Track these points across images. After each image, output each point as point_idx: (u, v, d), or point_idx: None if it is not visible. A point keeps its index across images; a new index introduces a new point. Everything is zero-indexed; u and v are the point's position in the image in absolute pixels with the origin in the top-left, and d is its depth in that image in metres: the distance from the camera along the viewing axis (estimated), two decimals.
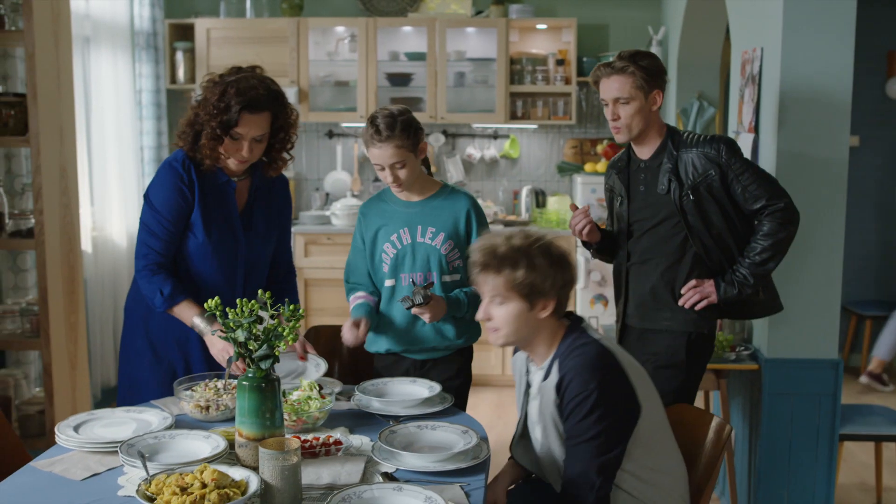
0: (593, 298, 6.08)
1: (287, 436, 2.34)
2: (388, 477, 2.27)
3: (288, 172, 6.72)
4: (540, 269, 2.33)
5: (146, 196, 2.99)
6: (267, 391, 2.26)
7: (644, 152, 3.26)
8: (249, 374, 2.27)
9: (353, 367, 3.52)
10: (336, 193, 6.70)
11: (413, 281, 3.11)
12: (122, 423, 2.59)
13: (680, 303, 3.22)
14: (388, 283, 3.16)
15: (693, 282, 3.20)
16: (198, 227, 2.93)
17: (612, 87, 3.16)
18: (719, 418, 2.54)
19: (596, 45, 6.58)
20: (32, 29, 3.67)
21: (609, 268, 3.61)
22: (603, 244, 3.42)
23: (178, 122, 3.00)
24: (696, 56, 5.94)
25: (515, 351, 2.62)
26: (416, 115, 6.26)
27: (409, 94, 6.48)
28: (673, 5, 6.11)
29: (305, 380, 2.77)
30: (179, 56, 6.39)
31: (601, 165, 6.35)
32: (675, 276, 3.23)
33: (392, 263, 3.14)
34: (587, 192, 6.19)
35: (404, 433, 2.51)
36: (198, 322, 2.88)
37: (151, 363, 3.03)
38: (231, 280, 3.00)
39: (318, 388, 2.72)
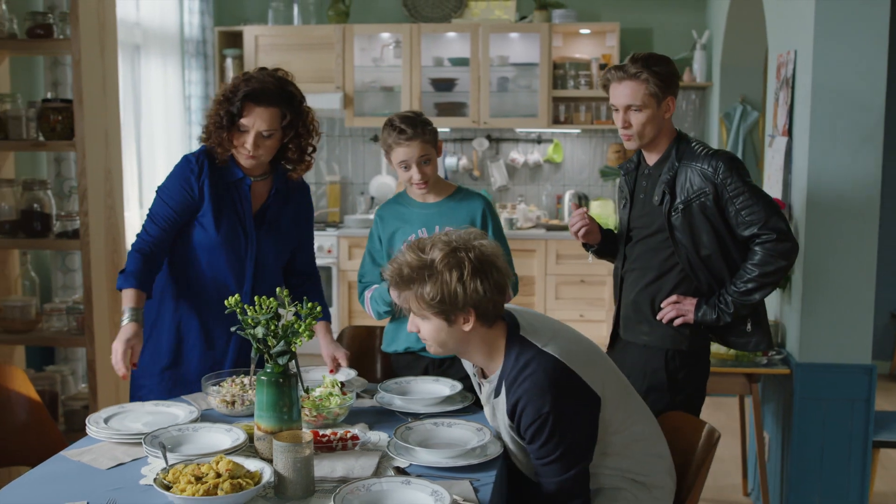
0: None
1: (305, 430, 2.40)
2: (401, 472, 2.32)
3: (333, 176, 6.85)
4: (447, 285, 2.22)
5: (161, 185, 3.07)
6: (284, 386, 2.33)
7: (651, 158, 3.12)
8: (268, 370, 2.35)
9: (384, 367, 3.57)
10: (381, 197, 6.79)
11: None
12: (150, 416, 2.68)
13: (658, 317, 3.07)
14: None
15: (674, 297, 3.05)
16: (207, 220, 2.97)
17: (623, 93, 2.98)
18: (711, 426, 2.53)
19: (639, 49, 6.51)
20: (79, 37, 3.80)
21: None
22: (606, 246, 3.30)
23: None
24: (739, 60, 5.91)
25: None
26: (460, 119, 6.41)
27: (453, 98, 6.54)
28: (716, 8, 6.08)
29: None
30: (228, 62, 6.53)
31: None
32: (659, 290, 3.08)
33: None
34: None
35: (420, 430, 2.54)
36: (125, 311, 2.88)
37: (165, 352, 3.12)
38: (239, 277, 3.05)
39: (339, 386, 2.79)
